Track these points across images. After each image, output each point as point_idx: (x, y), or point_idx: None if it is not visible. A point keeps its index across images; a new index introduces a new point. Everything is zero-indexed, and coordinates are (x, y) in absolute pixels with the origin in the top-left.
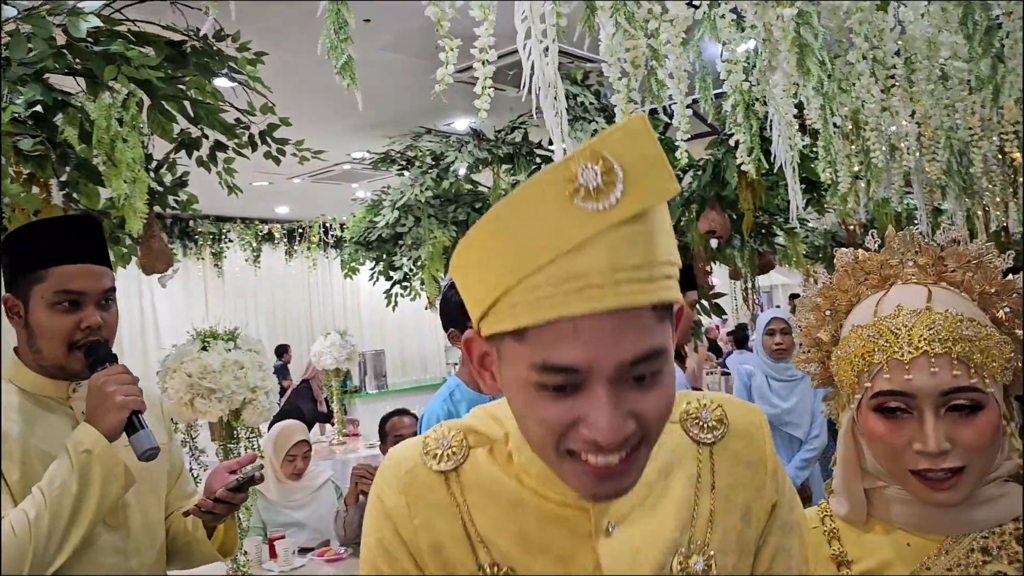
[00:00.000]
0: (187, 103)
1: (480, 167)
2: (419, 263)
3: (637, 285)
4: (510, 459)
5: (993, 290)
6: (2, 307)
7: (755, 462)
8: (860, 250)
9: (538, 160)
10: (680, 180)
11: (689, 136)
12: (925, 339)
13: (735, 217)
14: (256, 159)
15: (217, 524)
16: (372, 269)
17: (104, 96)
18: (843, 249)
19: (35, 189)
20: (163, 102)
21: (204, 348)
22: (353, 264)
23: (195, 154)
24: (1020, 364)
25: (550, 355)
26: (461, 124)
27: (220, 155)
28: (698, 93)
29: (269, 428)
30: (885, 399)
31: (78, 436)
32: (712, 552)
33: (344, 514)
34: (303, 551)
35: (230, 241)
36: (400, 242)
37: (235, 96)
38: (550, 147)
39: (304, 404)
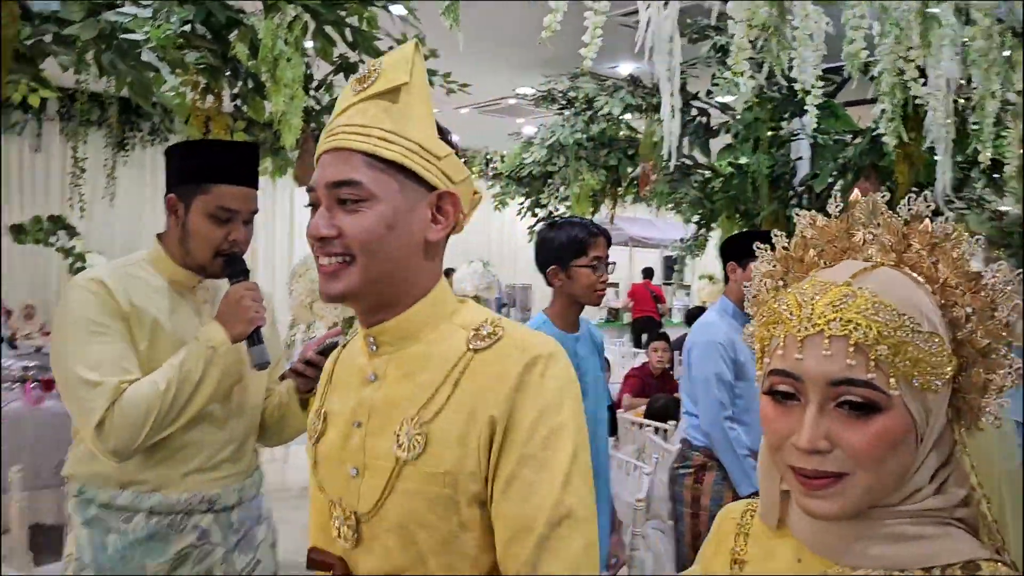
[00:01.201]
0: (347, 30)
1: (632, 113)
2: (566, 203)
3: (357, 137)
4: None
5: (954, 282)
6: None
7: (502, 374)
8: (820, 215)
9: (693, 112)
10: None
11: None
12: (825, 316)
13: (892, 190)
14: None
15: (309, 393)
16: (520, 204)
17: (275, 17)
18: (805, 212)
19: (210, 98)
20: (326, 27)
21: None
22: (503, 197)
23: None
24: (976, 379)
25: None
26: (626, 68)
27: None
28: (844, 59)
29: None
30: (777, 380)
31: (209, 333)
32: (427, 433)
33: None
34: None
35: None
36: (549, 181)
37: (392, 25)
38: (707, 99)
39: None
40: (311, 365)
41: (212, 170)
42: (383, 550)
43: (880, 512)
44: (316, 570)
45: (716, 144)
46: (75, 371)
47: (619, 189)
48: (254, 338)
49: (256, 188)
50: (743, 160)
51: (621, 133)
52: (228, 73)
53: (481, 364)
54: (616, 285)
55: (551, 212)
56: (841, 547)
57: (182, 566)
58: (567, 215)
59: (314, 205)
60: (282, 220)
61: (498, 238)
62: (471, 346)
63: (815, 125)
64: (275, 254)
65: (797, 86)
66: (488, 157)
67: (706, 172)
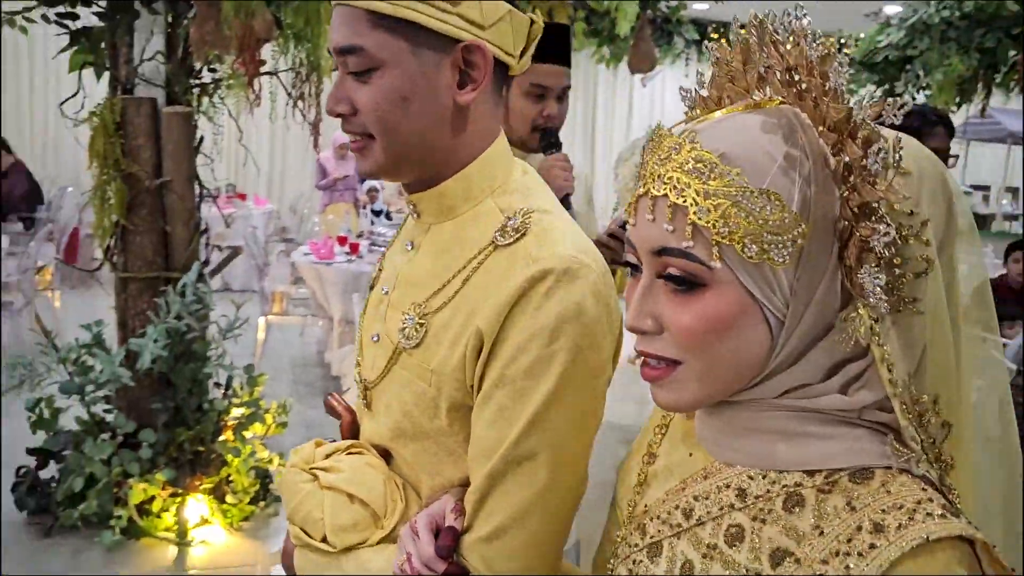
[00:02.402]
0: None
1: None
2: (926, 92)
3: None
4: None
5: (834, 123)
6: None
7: (503, 283)
8: (725, 42)
9: None
10: None
11: None
12: (652, 174)
13: None
14: None
15: (615, 264)
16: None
17: None
18: (713, 43)
19: None
20: None
21: None
22: (850, 87)
23: None
24: (852, 252)
25: None
26: None
27: None
28: None
29: None
30: (628, 249)
31: None
32: (427, 325)
33: None
34: None
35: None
36: (907, 67)
37: None
38: None
39: None
40: (614, 238)
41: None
42: (380, 422)
43: (758, 404)
44: (330, 415)
45: None
46: None
47: (996, 76)
48: (563, 206)
49: (568, 66)
50: None
51: (1004, 10)
52: None
53: (495, 263)
54: (987, 188)
55: (904, 103)
56: (719, 441)
57: None
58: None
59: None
60: (621, 103)
61: None
62: (496, 238)
63: None
64: (613, 138)
65: None
66: (842, 41)
67: None
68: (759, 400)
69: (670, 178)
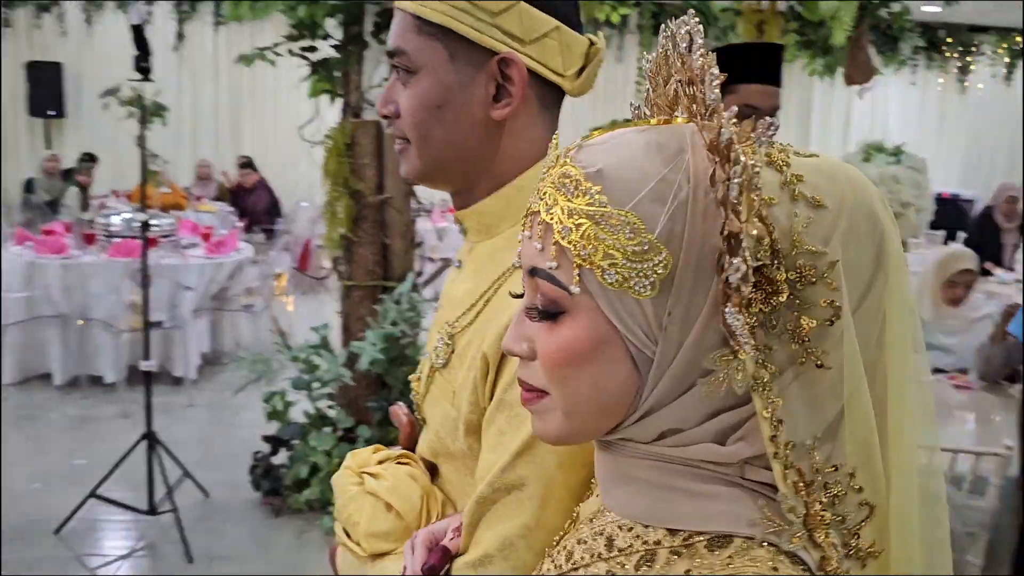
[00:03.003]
0: None
1: None
2: None
3: None
4: None
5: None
6: None
7: (509, 304)
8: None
9: None
10: None
11: None
12: (537, 189)
13: None
14: None
15: None
16: None
17: None
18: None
19: (765, 3)
20: None
21: (866, 159)
22: None
23: None
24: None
25: None
26: None
27: None
28: None
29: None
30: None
31: None
32: (454, 345)
33: (986, 349)
34: (936, 371)
35: (980, 55)
36: None
37: None
38: None
39: (991, 239)
40: None
41: (739, 71)
42: (425, 438)
43: (632, 449)
44: (395, 423)
45: None
46: None
47: None
48: None
49: (779, 86)
50: None
51: None
52: None
53: (510, 285)
54: None
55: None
56: (603, 483)
57: None
58: None
59: None
60: (838, 115)
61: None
62: (515, 260)
63: None
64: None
65: None
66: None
67: None
68: (634, 444)
69: (545, 194)
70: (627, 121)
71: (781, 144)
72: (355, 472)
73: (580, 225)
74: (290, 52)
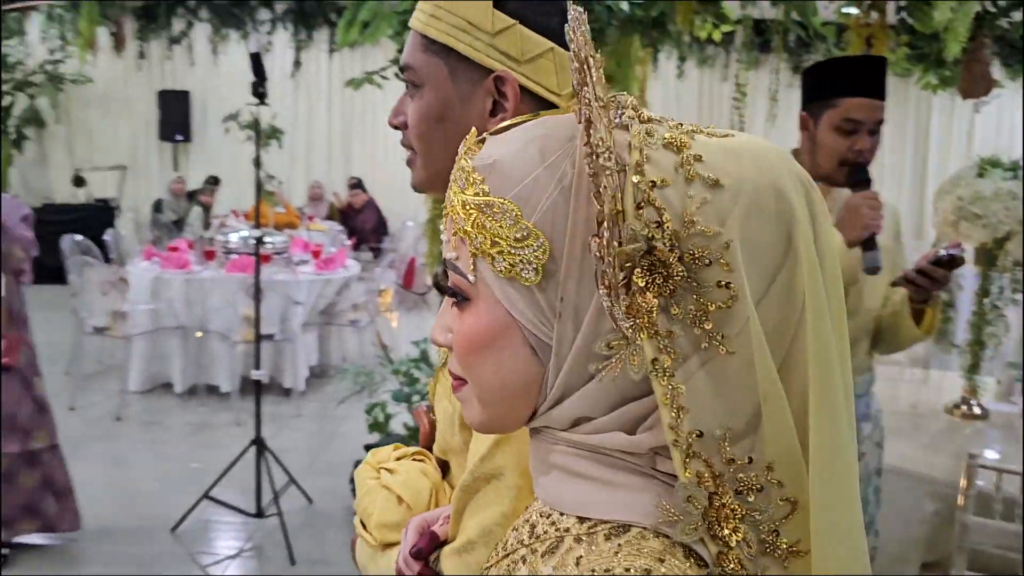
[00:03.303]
0: None
1: None
2: None
3: (419, 14)
4: None
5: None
6: None
7: None
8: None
9: None
10: None
11: None
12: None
13: None
14: None
15: (924, 304)
16: None
17: None
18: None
19: (874, 15)
20: None
21: (980, 175)
22: None
23: None
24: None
25: None
26: None
27: None
28: None
29: None
30: None
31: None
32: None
33: None
34: None
35: None
36: None
37: None
38: None
39: None
40: (923, 275)
41: (840, 85)
42: (437, 435)
43: (551, 436)
44: (417, 421)
45: None
46: None
47: None
48: (869, 244)
49: (882, 99)
50: None
51: None
52: None
53: None
54: None
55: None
56: (532, 470)
57: None
58: None
59: None
60: (959, 129)
61: None
62: None
63: None
64: (947, 168)
65: None
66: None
67: None
68: (552, 432)
69: (449, 187)
70: None
71: (690, 125)
72: (374, 467)
73: (471, 215)
74: (396, 75)
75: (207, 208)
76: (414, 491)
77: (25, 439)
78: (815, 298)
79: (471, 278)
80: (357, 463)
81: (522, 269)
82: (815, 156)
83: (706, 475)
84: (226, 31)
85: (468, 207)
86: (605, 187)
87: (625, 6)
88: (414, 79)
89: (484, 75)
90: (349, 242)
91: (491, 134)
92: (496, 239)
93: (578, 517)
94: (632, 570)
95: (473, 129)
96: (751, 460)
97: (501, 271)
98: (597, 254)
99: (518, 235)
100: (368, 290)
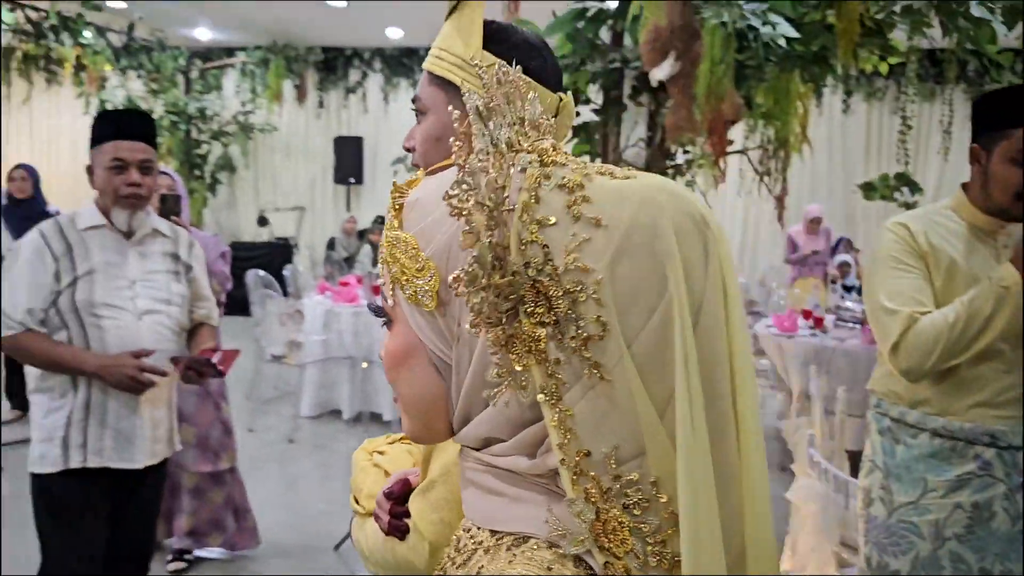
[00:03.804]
0: None
1: None
2: None
3: (429, 56)
4: None
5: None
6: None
7: None
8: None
9: None
10: None
11: None
12: None
13: None
14: None
15: None
16: None
17: None
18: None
19: None
20: None
21: None
22: None
23: None
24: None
25: None
26: None
27: None
28: None
29: None
30: None
31: (1001, 273)
32: None
33: None
34: None
35: None
36: None
37: None
38: None
39: None
40: None
41: (1016, 114)
42: None
43: (468, 455)
44: None
45: None
46: (878, 300)
47: None
48: None
49: None
50: None
51: None
52: None
53: None
54: None
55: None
56: (460, 484)
57: (962, 490)
58: None
59: None
60: None
61: None
62: None
63: None
64: None
65: None
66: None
67: None
68: (469, 450)
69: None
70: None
71: (600, 168)
72: (368, 452)
73: (389, 248)
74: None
75: (376, 246)
76: (399, 465)
77: (215, 460)
78: (681, 337)
79: (390, 302)
80: None
81: (422, 296)
82: (988, 189)
83: (594, 491)
84: (396, 80)
85: (387, 240)
86: (473, 225)
87: (782, 41)
88: (421, 107)
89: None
90: None
91: (427, 173)
92: (403, 269)
93: (490, 531)
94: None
95: (421, 172)
96: (638, 477)
97: (409, 297)
98: (454, 286)
99: (418, 267)
100: None
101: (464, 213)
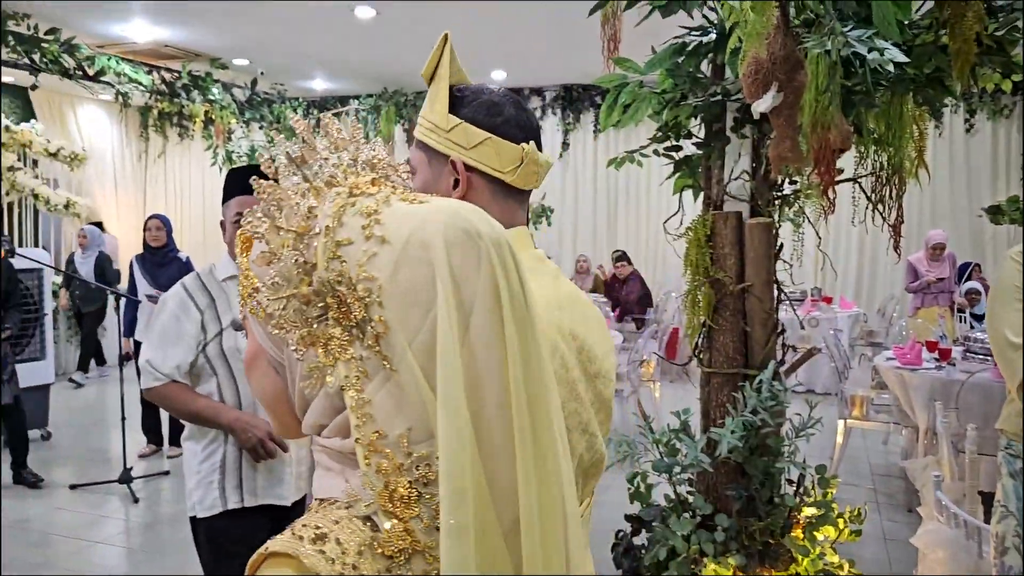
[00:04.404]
0: None
1: None
2: None
3: (416, 126)
4: None
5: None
6: None
7: None
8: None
9: None
10: None
11: None
12: None
13: None
14: None
15: None
16: None
17: None
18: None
19: None
20: None
21: None
22: None
23: None
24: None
25: None
26: None
27: None
28: None
29: None
30: None
31: None
32: None
33: None
34: None
35: None
36: None
37: None
38: None
39: None
40: None
41: None
42: None
43: (313, 440)
44: None
45: None
46: (1003, 334)
47: None
48: None
49: None
50: None
51: None
52: None
53: None
54: None
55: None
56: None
57: None
58: None
59: None
60: None
61: None
62: None
63: None
64: None
65: None
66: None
67: None
68: (313, 436)
69: None
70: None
71: (403, 195)
72: None
73: (242, 273)
74: (655, 152)
75: None
76: None
77: None
78: (444, 334)
79: (246, 312)
80: (618, 532)
81: (255, 308)
82: None
83: (386, 465)
84: None
85: (241, 267)
86: (271, 246)
87: (891, 66)
88: (410, 167)
89: (446, 159)
90: (613, 313)
91: None
92: (246, 288)
93: (319, 499)
94: (311, 524)
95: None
96: (427, 453)
97: (251, 310)
98: (254, 296)
99: (254, 285)
100: (631, 360)
101: (258, 236)
